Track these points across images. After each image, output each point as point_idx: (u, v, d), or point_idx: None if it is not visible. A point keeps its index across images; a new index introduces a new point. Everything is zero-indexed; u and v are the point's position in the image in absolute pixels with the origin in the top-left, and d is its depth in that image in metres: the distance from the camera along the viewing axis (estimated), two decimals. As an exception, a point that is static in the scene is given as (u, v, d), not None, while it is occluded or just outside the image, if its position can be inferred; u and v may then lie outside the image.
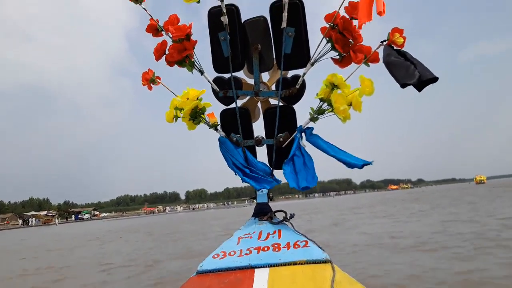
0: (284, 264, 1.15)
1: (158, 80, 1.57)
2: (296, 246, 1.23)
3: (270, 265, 1.15)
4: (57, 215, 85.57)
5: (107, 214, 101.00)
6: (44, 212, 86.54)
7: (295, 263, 1.14)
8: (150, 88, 1.56)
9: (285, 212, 1.44)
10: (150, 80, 1.54)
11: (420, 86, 1.20)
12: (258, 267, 1.15)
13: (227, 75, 1.53)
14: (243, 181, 1.52)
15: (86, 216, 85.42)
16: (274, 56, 1.49)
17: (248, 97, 1.59)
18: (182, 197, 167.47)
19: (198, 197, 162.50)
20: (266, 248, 1.24)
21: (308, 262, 1.14)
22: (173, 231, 16.57)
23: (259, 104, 1.63)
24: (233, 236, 1.39)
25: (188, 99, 1.52)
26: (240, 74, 1.58)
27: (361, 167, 1.33)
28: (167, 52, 1.48)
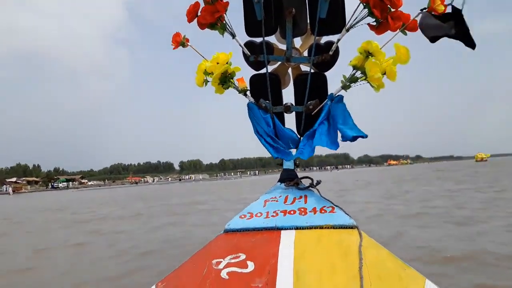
0: (311, 228, 1.18)
1: (187, 42, 1.55)
2: (323, 211, 1.26)
3: (297, 228, 1.18)
4: (38, 182, 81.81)
5: (93, 182, 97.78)
6: (14, 179, 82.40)
7: (321, 227, 1.18)
8: (175, 47, 1.55)
9: (312, 179, 1.47)
10: (180, 42, 1.53)
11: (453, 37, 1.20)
12: (285, 229, 1.19)
13: (258, 39, 1.51)
14: (266, 149, 1.54)
15: (62, 184, 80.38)
16: (308, 21, 1.47)
17: (279, 63, 1.58)
18: (177, 167, 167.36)
19: (192, 167, 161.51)
20: (292, 212, 1.28)
21: (334, 227, 1.17)
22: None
23: (289, 71, 1.62)
24: (259, 199, 1.43)
25: (218, 63, 1.51)
26: (272, 39, 1.56)
27: (352, 139, 1.32)
28: (199, 14, 1.45)
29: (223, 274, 0.96)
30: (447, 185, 15.63)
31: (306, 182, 1.48)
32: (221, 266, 1.00)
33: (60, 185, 78.94)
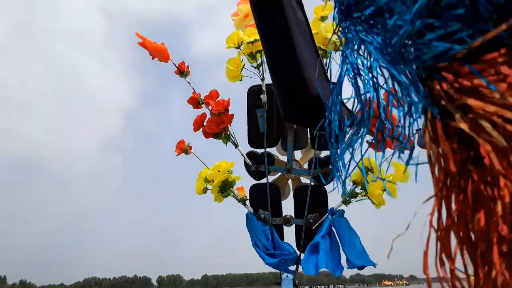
0: None
1: (190, 150, 1.60)
2: None
3: None
4: None
5: None
6: None
7: None
8: (179, 154, 1.58)
9: None
10: (184, 150, 1.57)
11: None
12: None
13: (260, 150, 1.55)
14: (265, 262, 1.45)
15: None
16: (309, 135, 1.54)
17: (279, 174, 1.59)
18: (154, 282, 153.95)
19: (172, 284, 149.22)
20: None
21: None
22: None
23: (289, 182, 1.62)
24: None
25: (219, 171, 1.53)
26: (273, 151, 1.60)
27: (360, 267, 1.29)
28: (205, 124, 1.52)
29: None
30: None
31: None
32: None
33: None
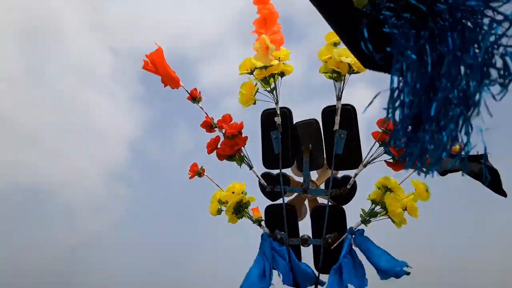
0: None
1: (203, 173, 1.60)
2: None
3: None
4: None
5: None
6: None
7: None
8: (191, 177, 1.59)
9: None
10: (197, 172, 1.58)
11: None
12: None
13: (275, 171, 1.54)
14: (283, 283, 1.40)
15: None
16: (325, 156, 1.52)
17: (295, 194, 1.57)
18: None
19: None
20: None
21: None
22: None
23: (306, 202, 1.59)
24: None
25: (233, 192, 1.52)
26: (288, 172, 1.59)
27: (395, 275, 1.21)
28: (218, 146, 1.53)
29: None
30: None
31: None
32: None
33: None
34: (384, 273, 1.25)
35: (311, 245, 1.45)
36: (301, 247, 1.46)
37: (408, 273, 1.21)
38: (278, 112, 1.50)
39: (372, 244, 1.34)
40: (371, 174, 1.48)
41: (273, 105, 1.52)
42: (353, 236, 1.37)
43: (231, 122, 1.54)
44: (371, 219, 1.39)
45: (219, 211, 1.52)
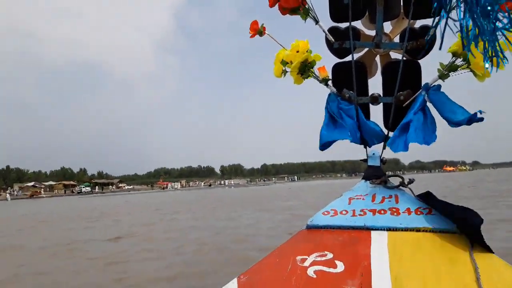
0: (406, 230, 1.10)
1: (264, 31, 1.49)
2: (419, 212, 1.15)
3: (389, 229, 1.11)
4: (75, 186, 79.71)
5: (132, 186, 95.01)
6: (32, 183, 78.52)
7: (418, 230, 1.08)
8: (252, 36, 1.49)
9: (402, 177, 1.33)
10: (258, 31, 1.47)
11: None
12: (375, 229, 1.13)
13: (343, 25, 1.40)
14: (352, 141, 1.42)
15: (86, 189, 76.08)
16: (402, 3, 1.33)
17: (365, 50, 1.45)
18: (218, 171, 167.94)
19: (234, 172, 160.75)
20: (382, 211, 1.20)
21: (433, 230, 1.07)
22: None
23: (377, 59, 1.49)
24: (342, 196, 1.34)
25: (298, 51, 1.43)
26: (359, 25, 1.44)
27: (468, 121, 1.15)
28: (280, -1, 1.37)
29: (310, 272, 0.92)
30: None
31: (394, 181, 1.35)
32: (306, 263, 0.97)
33: (83, 189, 75.76)
34: (456, 124, 1.20)
35: (381, 103, 1.41)
36: (370, 105, 1.43)
37: (482, 119, 1.16)
38: None
39: (447, 99, 1.26)
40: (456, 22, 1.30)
41: None
42: (428, 92, 1.29)
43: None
44: (450, 73, 1.28)
45: (284, 72, 1.46)
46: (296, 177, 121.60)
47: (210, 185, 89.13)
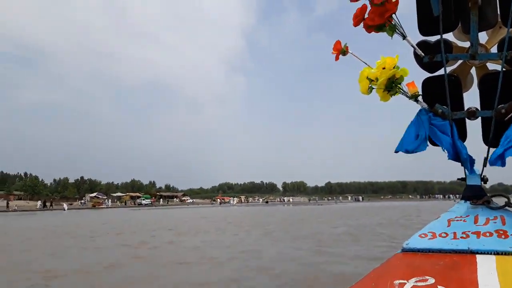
0: None
1: (347, 50, 1.50)
2: None
3: (496, 252, 1.03)
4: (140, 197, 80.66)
5: (192, 200, 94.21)
6: (94, 194, 79.37)
7: None
8: (337, 58, 1.50)
9: (508, 197, 1.22)
10: (341, 50, 1.48)
11: None
12: (481, 253, 1.04)
13: (433, 38, 1.35)
14: (449, 158, 1.34)
15: (146, 201, 75.93)
16: (498, 11, 1.26)
17: (459, 62, 1.39)
18: (280, 188, 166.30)
19: (296, 189, 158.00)
20: (488, 234, 1.11)
21: None
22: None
23: (472, 71, 1.41)
24: (440, 217, 1.26)
25: (384, 68, 1.41)
26: (450, 37, 1.38)
27: None
28: (366, 16, 1.38)
29: None
30: None
31: (498, 201, 1.24)
32: None
33: (143, 202, 75.84)
34: None
35: (479, 118, 1.32)
36: (467, 120, 1.34)
37: None
38: None
39: None
40: None
41: None
42: None
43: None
44: None
45: (370, 90, 1.44)
46: (361, 197, 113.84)
47: (267, 202, 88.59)
